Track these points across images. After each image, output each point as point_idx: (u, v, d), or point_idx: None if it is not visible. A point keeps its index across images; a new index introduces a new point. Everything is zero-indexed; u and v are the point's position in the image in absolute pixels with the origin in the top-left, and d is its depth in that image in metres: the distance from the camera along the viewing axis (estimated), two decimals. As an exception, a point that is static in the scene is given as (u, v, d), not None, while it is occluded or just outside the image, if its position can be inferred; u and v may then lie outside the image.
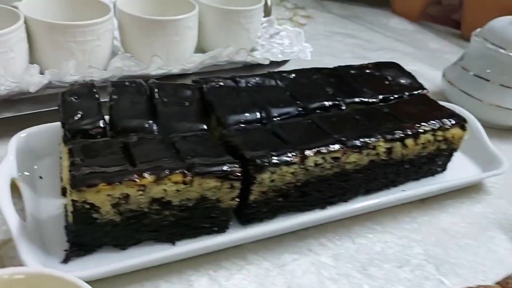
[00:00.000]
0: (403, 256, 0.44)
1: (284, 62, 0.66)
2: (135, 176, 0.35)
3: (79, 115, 0.41)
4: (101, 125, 0.41)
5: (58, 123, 0.46)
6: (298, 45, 0.68)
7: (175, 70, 0.57)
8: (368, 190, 0.48)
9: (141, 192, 0.36)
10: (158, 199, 0.37)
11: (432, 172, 0.53)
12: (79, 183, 0.34)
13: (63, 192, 0.43)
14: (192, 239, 0.40)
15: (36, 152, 0.46)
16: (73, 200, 0.35)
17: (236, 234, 0.40)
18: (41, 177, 0.45)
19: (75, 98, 0.44)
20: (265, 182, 0.40)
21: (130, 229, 0.38)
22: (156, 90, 0.47)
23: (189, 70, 0.58)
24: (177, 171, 0.37)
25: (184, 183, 0.37)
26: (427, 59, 0.85)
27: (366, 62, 0.80)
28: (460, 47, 0.90)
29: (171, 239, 0.40)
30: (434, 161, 0.51)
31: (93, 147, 0.38)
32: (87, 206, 0.35)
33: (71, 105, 0.43)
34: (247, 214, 0.42)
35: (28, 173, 0.44)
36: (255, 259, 0.41)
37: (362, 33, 0.93)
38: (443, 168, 0.53)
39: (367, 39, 0.91)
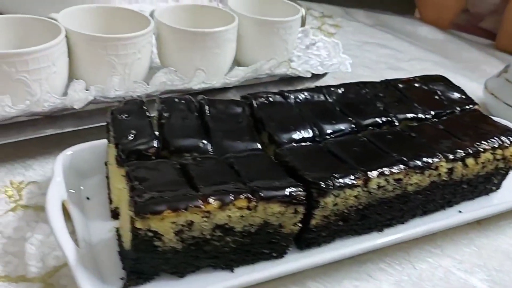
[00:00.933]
0: (467, 282, 0.42)
1: (323, 74, 0.64)
2: (200, 202, 0.33)
3: (132, 135, 0.40)
4: (156, 145, 0.39)
5: (103, 141, 0.45)
6: (336, 56, 0.67)
7: (218, 84, 0.55)
8: (425, 211, 0.46)
9: (205, 219, 0.34)
10: (222, 225, 0.35)
11: (487, 191, 0.51)
12: (142, 210, 0.32)
13: (114, 215, 0.41)
14: (250, 265, 0.39)
15: (81, 171, 0.45)
16: (135, 228, 0.33)
17: (297, 262, 0.38)
18: (88, 198, 0.43)
19: (125, 116, 0.42)
20: (328, 206, 0.38)
21: (190, 256, 0.36)
22: (206, 107, 0.45)
23: (230, 83, 0.56)
24: (241, 196, 0.35)
25: (249, 208, 0.35)
26: (461, 69, 0.83)
27: (400, 73, 0.79)
28: (495, 57, 0.88)
29: (230, 266, 0.38)
30: (490, 180, 0.49)
31: (150, 169, 0.37)
32: (150, 234, 0.33)
33: (122, 124, 0.41)
34: (307, 239, 0.40)
35: (74, 193, 0.42)
36: (314, 286, 0.39)
37: (391, 42, 0.91)
38: (498, 186, 0.51)
39: (398, 48, 0.89)
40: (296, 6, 0.68)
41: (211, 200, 0.34)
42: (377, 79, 0.74)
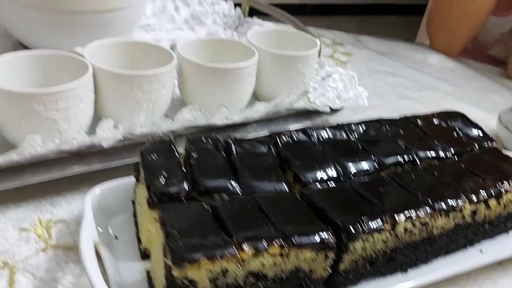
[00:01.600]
0: (494, 326, 0.42)
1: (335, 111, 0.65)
2: (236, 250, 0.34)
3: (163, 177, 0.40)
4: (187, 188, 0.40)
5: (130, 179, 0.46)
6: (353, 89, 0.68)
7: (239, 119, 0.56)
8: (448, 250, 0.47)
9: (239, 266, 0.34)
10: (255, 272, 0.35)
11: (507, 229, 0.51)
12: (180, 259, 0.33)
13: (143, 255, 0.42)
14: (279, 308, 0.39)
15: (108, 209, 0.45)
16: (171, 275, 0.33)
17: (327, 305, 0.38)
18: (116, 237, 0.44)
19: (155, 157, 0.42)
20: (357, 251, 0.39)
21: (223, 302, 0.36)
22: (233, 146, 0.45)
23: (252, 119, 0.57)
24: (274, 243, 0.35)
25: (281, 255, 0.36)
26: (471, 99, 0.85)
27: (412, 103, 0.80)
28: (505, 87, 0.89)
29: (260, 310, 0.38)
30: (511, 219, 0.50)
31: (183, 213, 0.37)
32: (186, 283, 0.33)
33: (153, 165, 0.41)
34: (335, 282, 0.40)
35: (103, 233, 0.43)
36: (342, 328, 0.40)
37: (402, 70, 0.92)
38: (518, 224, 0.52)
39: (408, 77, 0.90)
40: (313, 39, 0.69)
41: (245, 247, 0.34)
42: (389, 109, 0.76)
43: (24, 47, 0.71)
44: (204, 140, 0.46)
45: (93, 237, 0.40)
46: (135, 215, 0.45)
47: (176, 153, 0.44)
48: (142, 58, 0.58)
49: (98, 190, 0.44)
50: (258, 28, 0.69)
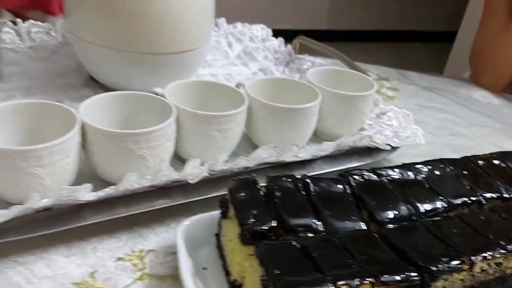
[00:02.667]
0: None
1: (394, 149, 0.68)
2: (331, 286, 0.37)
3: (253, 215, 0.44)
4: (275, 225, 0.43)
5: (214, 213, 0.49)
6: (409, 127, 0.70)
7: (308, 157, 0.59)
8: (516, 290, 0.49)
9: (337, 302, 0.37)
10: (347, 307, 0.38)
11: None
12: (281, 292, 0.36)
13: (232, 286, 0.45)
14: None
15: (195, 242, 0.48)
16: (273, 307, 0.36)
17: None
18: (204, 268, 0.47)
19: (242, 195, 0.46)
20: (439, 290, 0.41)
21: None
22: (311, 185, 0.49)
23: (318, 156, 0.60)
24: (365, 281, 0.38)
25: (370, 290, 0.38)
26: (520, 136, 0.86)
27: (463, 139, 0.82)
28: (552, 124, 0.90)
29: None
30: None
31: (277, 250, 0.40)
32: (285, 314, 0.36)
33: (242, 203, 0.45)
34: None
35: (193, 264, 0.46)
36: None
37: (449, 106, 0.95)
38: None
39: (456, 113, 0.92)
40: (368, 78, 0.72)
41: (340, 284, 0.37)
42: (440, 145, 0.78)
43: (95, 81, 0.76)
44: (284, 179, 0.49)
45: (189, 267, 0.43)
46: (219, 248, 0.49)
47: (260, 191, 0.47)
48: (216, 97, 0.62)
49: (187, 223, 0.48)
50: (319, 68, 0.73)
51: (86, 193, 0.47)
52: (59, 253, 0.47)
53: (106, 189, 0.48)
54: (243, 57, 0.96)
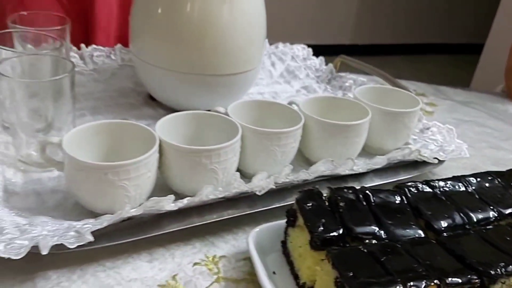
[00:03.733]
0: None
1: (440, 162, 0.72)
2: (402, 286, 0.41)
3: (321, 224, 0.48)
4: (343, 233, 0.47)
5: (279, 222, 0.54)
6: (453, 142, 0.74)
7: (362, 170, 0.63)
8: None
9: (404, 301, 0.41)
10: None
11: None
12: (358, 292, 0.40)
13: (302, 289, 0.49)
14: None
15: (263, 248, 0.53)
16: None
17: None
18: (274, 273, 0.51)
19: (310, 205, 0.50)
20: (497, 292, 0.45)
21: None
22: (371, 196, 0.53)
23: (371, 169, 0.65)
24: (432, 283, 0.42)
25: (439, 292, 0.42)
26: (559, 149, 0.89)
27: (503, 152, 0.85)
28: None
29: None
30: None
31: (348, 255, 0.44)
32: (362, 315, 0.40)
33: (310, 213, 0.49)
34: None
35: (264, 268, 0.50)
36: None
37: (486, 121, 0.98)
38: None
39: (493, 127, 0.95)
40: (413, 95, 0.76)
41: (410, 285, 0.41)
42: (482, 158, 0.81)
43: (154, 100, 0.82)
44: (346, 190, 0.53)
45: (263, 271, 0.48)
46: (285, 254, 0.53)
47: (325, 202, 0.51)
48: (272, 115, 0.67)
49: (257, 230, 0.53)
50: (365, 86, 0.77)
51: (169, 204, 0.52)
52: (142, 259, 0.52)
53: (184, 200, 0.53)
54: (286, 76, 1.01)
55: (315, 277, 0.47)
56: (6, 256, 0.44)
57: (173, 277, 0.50)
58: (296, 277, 0.50)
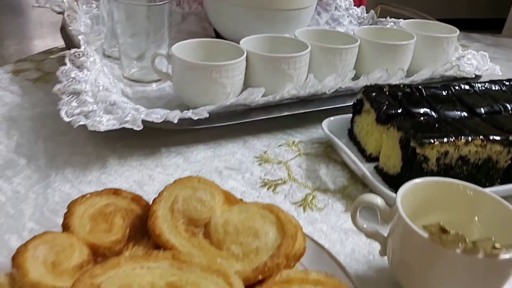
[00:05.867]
0: None
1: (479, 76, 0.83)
2: (454, 139, 0.53)
3: (385, 105, 0.60)
4: (400, 111, 0.59)
5: (345, 115, 0.66)
6: (486, 64, 0.85)
7: (407, 81, 0.75)
8: None
9: (456, 150, 0.53)
10: (463, 157, 0.54)
11: None
12: (422, 142, 0.52)
13: (368, 159, 0.61)
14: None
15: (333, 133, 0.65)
16: (412, 155, 0.52)
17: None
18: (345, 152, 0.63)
19: (374, 94, 0.62)
20: (529, 150, 0.56)
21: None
22: (423, 90, 0.65)
23: (418, 81, 0.76)
24: (477, 137, 0.54)
25: (481, 146, 0.54)
26: None
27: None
28: None
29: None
30: None
31: (408, 122, 0.56)
32: (422, 158, 0.52)
33: (376, 99, 0.61)
34: (509, 173, 0.58)
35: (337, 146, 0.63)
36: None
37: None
38: None
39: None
40: (451, 26, 0.87)
41: (461, 138, 0.53)
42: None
43: (218, 37, 0.94)
44: (402, 86, 0.65)
45: (341, 145, 0.60)
46: (351, 138, 0.65)
47: (385, 93, 0.63)
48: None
49: (331, 119, 0.65)
50: (408, 20, 0.88)
51: (258, 97, 0.64)
52: (238, 141, 0.65)
53: (269, 96, 0.66)
54: (331, 23, 1.12)
55: (379, 147, 0.60)
56: (131, 127, 0.56)
57: (265, 152, 0.63)
58: (362, 152, 0.63)
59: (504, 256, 0.35)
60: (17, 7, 3.44)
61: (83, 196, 0.40)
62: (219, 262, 0.34)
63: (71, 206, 0.39)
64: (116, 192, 0.42)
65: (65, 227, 0.38)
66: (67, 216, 0.38)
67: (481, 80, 0.82)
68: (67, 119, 0.56)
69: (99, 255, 0.37)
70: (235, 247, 0.37)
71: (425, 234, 0.36)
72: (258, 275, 0.36)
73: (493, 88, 0.69)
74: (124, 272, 0.32)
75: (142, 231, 0.39)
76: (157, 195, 0.40)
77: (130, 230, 0.39)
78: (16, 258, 0.34)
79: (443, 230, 0.34)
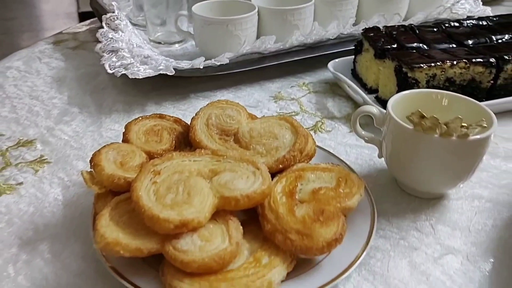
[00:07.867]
0: None
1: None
2: (441, 62, 0.61)
3: (381, 42, 0.69)
4: (395, 46, 0.68)
5: (347, 57, 0.75)
6: (478, 7, 0.92)
7: (405, 23, 0.83)
8: None
9: (443, 73, 0.62)
10: (449, 78, 0.62)
11: None
12: (411, 67, 0.61)
13: (369, 91, 0.70)
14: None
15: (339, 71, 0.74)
16: (405, 78, 0.61)
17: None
18: (348, 86, 0.73)
19: (372, 34, 0.71)
20: (508, 72, 0.64)
21: (430, 99, 0.64)
22: (415, 28, 0.73)
23: (414, 22, 0.84)
24: (461, 61, 0.62)
25: (465, 68, 0.62)
26: None
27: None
28: None
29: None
30: None
31: (401, 53, 0.65)
32: (413, 81, 0.61)
33: (374, 38, 0.70)
34: (493, 93, 0.66)
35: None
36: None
37: None
38: None
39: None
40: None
41: (446, 61, 0.61)
42: None
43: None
44: (396, 26, 0.74)
45: (352, 85, 0.69)
46: (354, 76, 0.74)
47: (382, 32, 0.72)
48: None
49: (336, 61, 0.74)
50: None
51: (271, 44, 0.73)
52: (254, 86, 0.75)
53: (279, 43, 0.75)
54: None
55: (378, 79, 0.69)
56: (166, 72, 0.67)
57: (279, 92, 0.73)
58: (364, 86, 0.72)
59: (474, 137, 0.44)
60: (30, 1, 3.56)
61: (136, 119, 0.51)
62: (248, 155, 0.44)
63: (127, 125, 0.50)
64: (161, 116, 0.52)
65: (125, 140, 0.48)
66: (125, 133, 0.49)
67: (473, 21, 0.90)
68: (110, 71, 0.66)
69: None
70: (259, 147, 0.47)
71: (410, 126, 0.46)
72: (279, 164, 0.46)
73: (481, 23, 0.77)
74: (176, 163, 0.43)
75: (185, 143, 0.50)
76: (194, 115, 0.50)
77: (175, 142, 0.49)
78: (94, 159, 0.44)
79: (422, 116, 0.44)
